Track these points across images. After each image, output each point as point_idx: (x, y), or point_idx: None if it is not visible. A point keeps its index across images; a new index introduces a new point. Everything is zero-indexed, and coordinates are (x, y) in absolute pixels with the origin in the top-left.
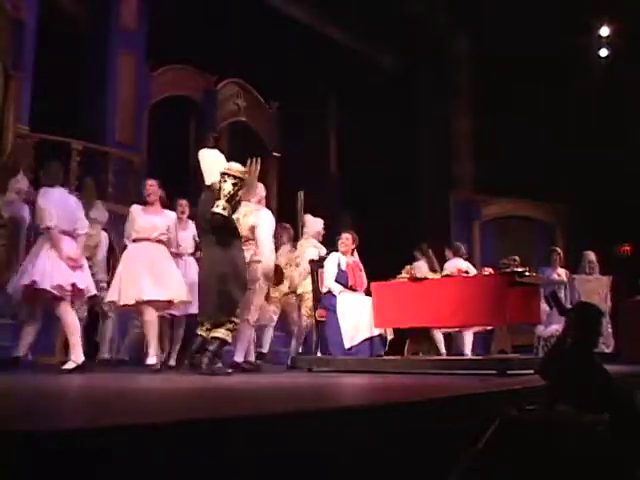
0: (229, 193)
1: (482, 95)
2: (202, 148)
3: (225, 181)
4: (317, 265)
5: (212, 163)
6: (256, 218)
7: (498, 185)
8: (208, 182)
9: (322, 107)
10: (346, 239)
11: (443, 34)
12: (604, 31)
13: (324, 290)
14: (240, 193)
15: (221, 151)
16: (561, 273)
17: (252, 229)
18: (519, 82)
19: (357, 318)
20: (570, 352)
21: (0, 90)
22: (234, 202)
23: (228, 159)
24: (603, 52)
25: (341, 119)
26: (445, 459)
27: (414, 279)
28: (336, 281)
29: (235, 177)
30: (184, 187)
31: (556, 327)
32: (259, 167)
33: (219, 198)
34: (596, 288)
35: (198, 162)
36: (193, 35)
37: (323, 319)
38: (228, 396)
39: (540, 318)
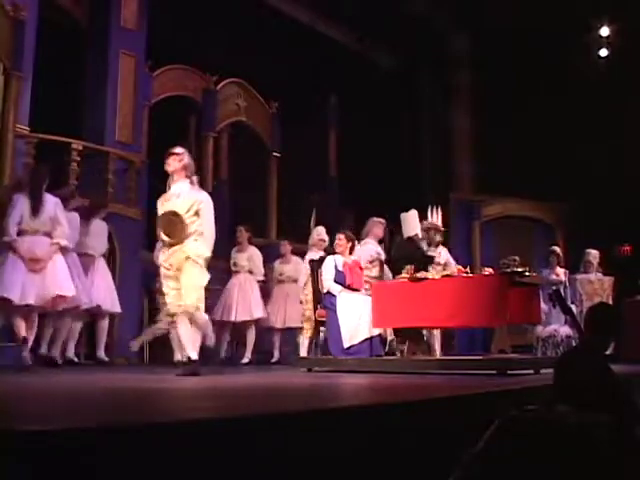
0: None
1: (482, 95)
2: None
3: (427, 232)
4: (317, 265)
5: (411, 222)
6: None
7: (498, 185)
8: (411, 234)
9: (322, 107)
10: (339, 239)
11: (443, 34)
12: (604, 31)
13: (324, 290)
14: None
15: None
16: (560, 273)
17: None
18: (519, 82)
19: (357, 318)
20: (577, 352)
21: (0, 90)
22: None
23: (228, 159)
24: (603, 52)
25: (341, 119)
26: (445, 459)
27: (414, 279)
28: (335, 282)
29: (429, 229)
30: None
31: (554, 327)
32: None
33: (421, 246)
34: (598, 289)
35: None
36: (193, 35)
37: (323, 319)
38: (227, 396)
39: (540, 318)
